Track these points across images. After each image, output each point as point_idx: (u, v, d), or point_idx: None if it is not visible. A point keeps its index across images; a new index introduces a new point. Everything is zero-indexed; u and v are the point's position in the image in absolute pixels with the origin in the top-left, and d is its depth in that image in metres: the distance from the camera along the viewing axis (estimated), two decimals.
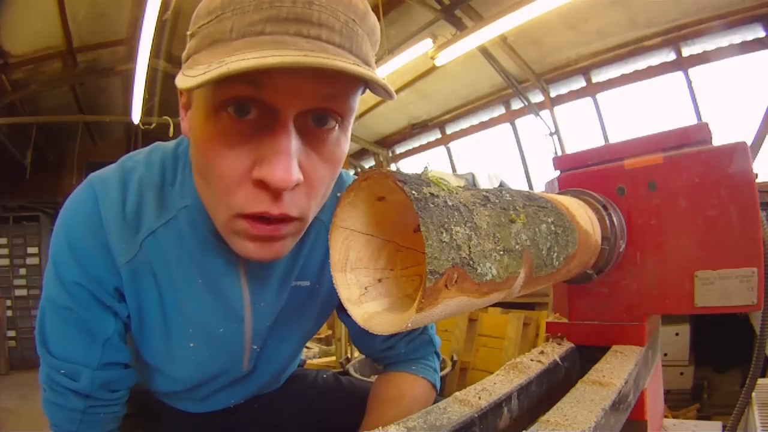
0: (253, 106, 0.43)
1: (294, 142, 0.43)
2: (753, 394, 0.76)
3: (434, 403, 0.37)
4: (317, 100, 0.43)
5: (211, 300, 0.58)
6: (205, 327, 0.59)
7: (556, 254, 0.35)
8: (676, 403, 2.14)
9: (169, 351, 0.60)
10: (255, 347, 0.64)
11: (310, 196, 0.48)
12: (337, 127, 0.46)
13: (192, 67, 0.42)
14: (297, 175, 0.43)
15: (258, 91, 0.41)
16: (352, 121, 0.49)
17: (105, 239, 0.54)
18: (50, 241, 0.56)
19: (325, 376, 0.87)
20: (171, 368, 0.62)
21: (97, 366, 0.56)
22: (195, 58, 0.43)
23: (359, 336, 0.75)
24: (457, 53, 3.06)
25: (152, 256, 0.55)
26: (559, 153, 3.85)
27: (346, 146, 0.50)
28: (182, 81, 0.41)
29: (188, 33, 0.46)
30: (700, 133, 0.54)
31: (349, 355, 2.53)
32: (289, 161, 0.42)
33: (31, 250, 4.82)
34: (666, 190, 0.52)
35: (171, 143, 0.61)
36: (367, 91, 0.47)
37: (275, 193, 0.44)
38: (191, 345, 0.60)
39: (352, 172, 0.73)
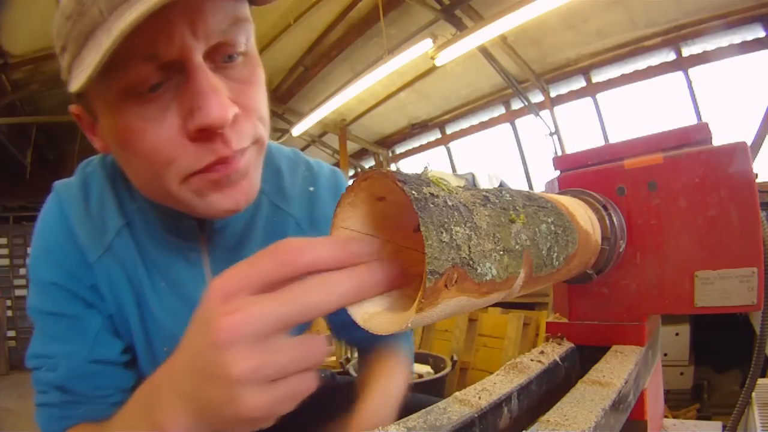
0: (159, 77, 0.41)
1: (213, 79, 0.42)
2: (753, 394, 0.76)
3: (434, 402, 0.37)
4: (208, 36, 0.41)
5: (177, 303, 0.57)
6: (173, 332, 0.57)
7: (556, 254, 0.35)
8: (676, 403, 2.14)
9: (152, 354, 0.58)
10: None
11: (253, 119, 0.46)
12: (244, 49, 0.45)
13: (80, 68, 0.40)
14: (231, 107, 0.42)
15: (155, 58, 0.39)
16: (252, 33, 0.47)
17: (75, 237, 0.54)
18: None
19: (323, 375, 0.87)
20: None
21: (83, 359, 0.54)
22: (75, 64, 0.41)
23: (340, 327, 0.74)
24: (457, 53, 3.06)
25: (123, 257, 0.55)
26: (559, 153, 3.85)
27: (259, 61, 0.48)
28: (73, 85, 0.39)
29: (57, 51, 0.44)
30: (700, 133, 0.54)
31: (348, 355, 2.53)
32: (217, 96, 0.41)
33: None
34: (666, 190, 0.52)
35: None
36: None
37: (219, 136, 0.43)
38: (165, 349, 0.58)
39: (351, 172, 0.72)
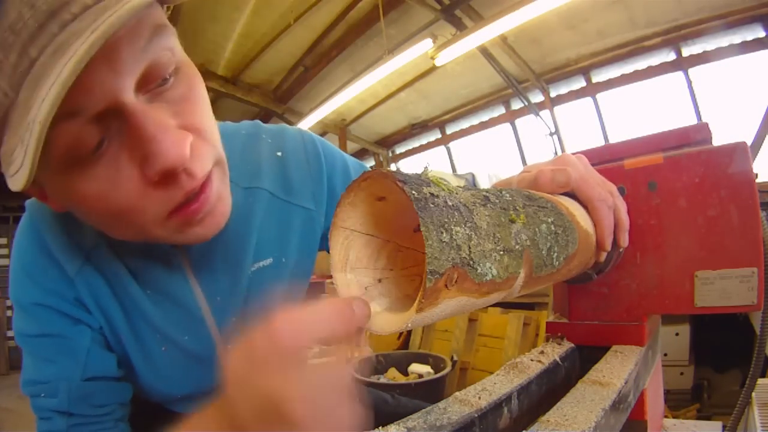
0: (97, 133, 0.37)
1: (156, 114, 0.38)
2: (753, 394, 0.76)
3: (434, 403, 0.37)
4: (131, 67, 0.37)
5: (166, 305, 0.56)
6: (169, 336, 0.57)
7: (556, 254, 0.35)
8: (676, 403, 2.14)
9: (149, 357, 0.57)
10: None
11: (207, 139, 0.44)
12: (174, 68, 0.41)
13: (10, 164, 0.36)
14: (186, 138, 0.39)
15: (80, 113, 0.35)
16: (176, 41, 0.43)
17: (50, 252, 0.52)
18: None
19: (388, 402, 0.84)
20: (158, 378, 0.59)
21: (79, 379, 0.52)
22: (5, 150, 0.37)
23: None
24: (457, 53, 3.07)
25: (103, 268, 0.53)
26: (559, 153, 3.85)
27: (195, 70, 0.45)
28: (13, 184, 0.36)
29: None
30: (700, 133, 0.54)
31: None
32: (168, 134, 0.38)
33: None
34: (666, 190, 0.52)
35: None
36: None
37: (182, 171, 0.40)
38: (163, 349, 0.57)
39: None
